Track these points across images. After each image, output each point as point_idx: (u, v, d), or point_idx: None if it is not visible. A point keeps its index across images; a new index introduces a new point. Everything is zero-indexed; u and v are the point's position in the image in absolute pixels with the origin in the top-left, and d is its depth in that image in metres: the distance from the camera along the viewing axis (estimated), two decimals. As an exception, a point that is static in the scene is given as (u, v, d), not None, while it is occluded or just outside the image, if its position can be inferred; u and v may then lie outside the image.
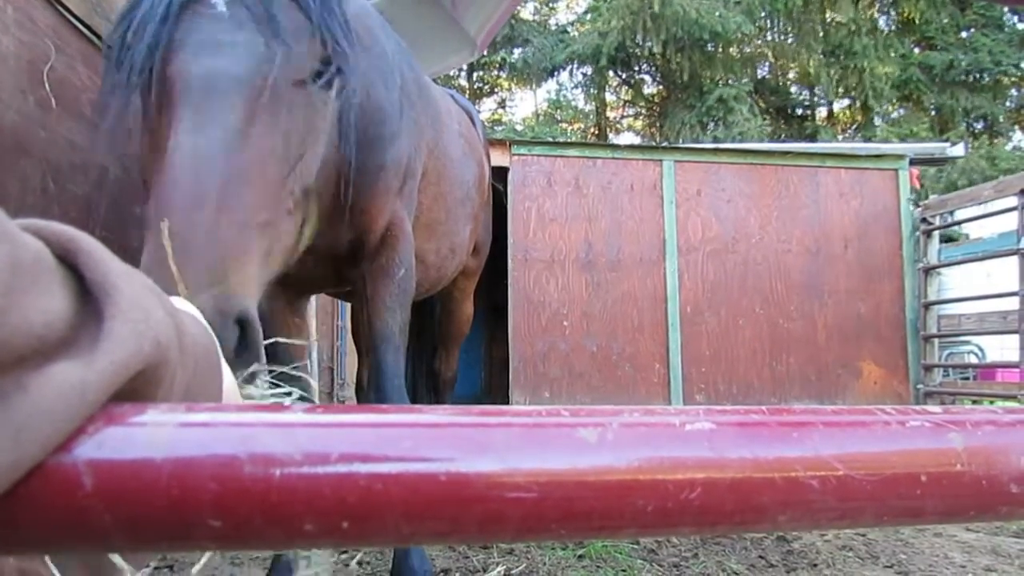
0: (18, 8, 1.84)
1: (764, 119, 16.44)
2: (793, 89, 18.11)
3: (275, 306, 2.16)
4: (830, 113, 18.29)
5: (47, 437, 0.28)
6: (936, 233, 6.17)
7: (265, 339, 2.19)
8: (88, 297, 0.34)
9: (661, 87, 18.31)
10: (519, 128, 17.46)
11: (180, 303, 0.55)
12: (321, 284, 2.23)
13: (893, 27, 17.45)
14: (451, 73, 15.78)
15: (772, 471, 0.33)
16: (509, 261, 6.19)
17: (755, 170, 6.55)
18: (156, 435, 0.30)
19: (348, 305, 5.00)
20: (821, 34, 16.18)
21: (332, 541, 0.31)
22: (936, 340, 6.18)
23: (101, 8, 2.28)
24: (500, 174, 5.83)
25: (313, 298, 3.15)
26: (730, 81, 15.85)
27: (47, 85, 1.96)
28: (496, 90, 19.92)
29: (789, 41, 16.88)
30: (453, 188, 2.65)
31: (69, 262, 0.34)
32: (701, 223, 6.37)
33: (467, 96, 18.29)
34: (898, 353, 6.33)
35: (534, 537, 0.33)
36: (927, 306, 6.10)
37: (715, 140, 13.09)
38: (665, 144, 8.17)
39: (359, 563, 2.84)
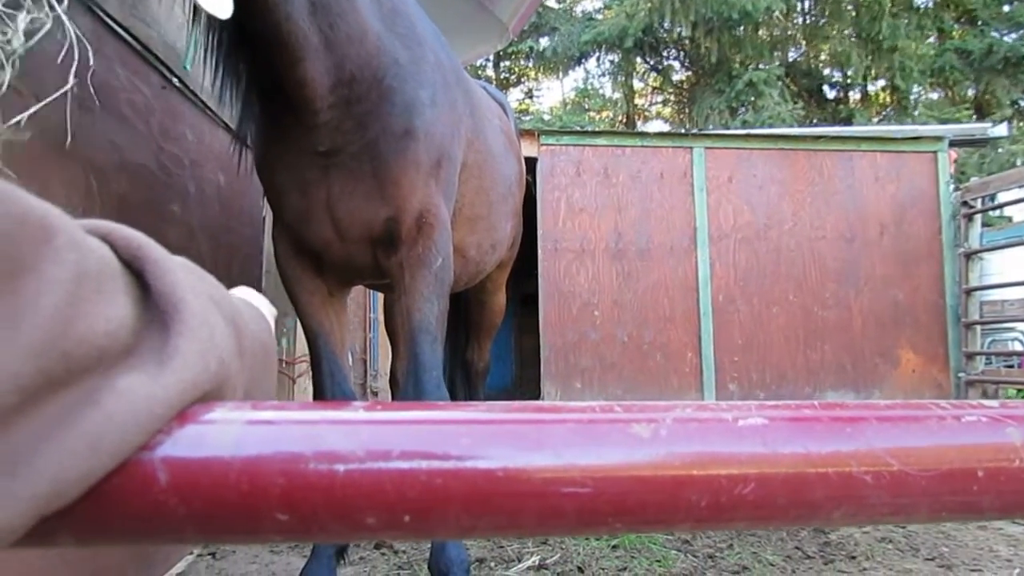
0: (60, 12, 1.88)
1: (796, 103, 16.15)
2: (826, 71, 17.76)
3: (314, 300, 2.19)
4: (864, 96, 17.91)
5: (118, 449, 0.29)
6: (978, 217, 6.02)
7: (306, 333, 2.23)
8: (151, 304, 0.35)
9: (689, 72, 18.09)
10: (547, 118, 17.40)
11: (242, 291, 0.56)
12: (359, 274, 2.25)
13: (931, 4, 16.97)
14: (478, 63, 15.77)
15: (825, 466, 0.34)
16: (539, 251, 6.19)
17: (787, 155, 6.45)
18: (226, 433, 0.31)
19: (380, 297, 5.05)
20: (853, 14, 15.81)
21: (393, 534, 0.32)
22: (978, 327, 6.04)
23: (137, 11, 2.32)
24: (529, 164, 5.81)
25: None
26: (760, 65, 15.59)
27: (90, 88, 2.01)
28: (523, 80, 19.86)
29: (821, 22, 16.55)
30: (495, 183, 2.66)
31: (135, 269, 0.35)
32: (733, 210, 6.29)
33: (494, 86, 18.29)
34: (938, 341, 6.21)
35: (589, 531, 0.34)
36: (968, 292, 5.96)
37: (744, 125, 12.89)
38: (695, 131, 8.08)
39: (395, 551, 2.88)
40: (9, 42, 1.12)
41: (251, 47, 1.77)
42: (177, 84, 2.65)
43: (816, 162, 6.45)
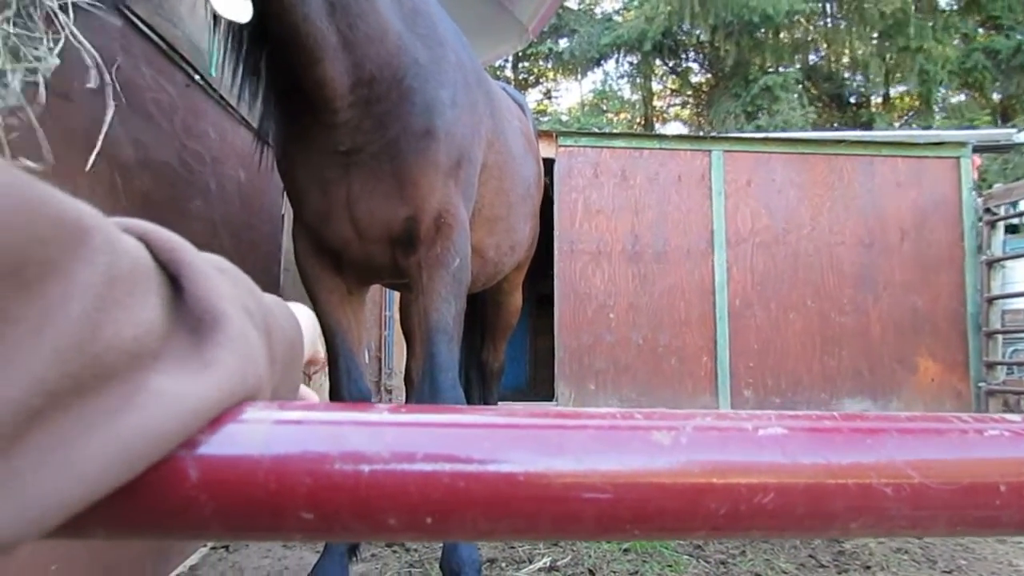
0: (86, 12, 1.91)
1: (815, 107, 16.02)
2: (846, 75, 17.60)
3: (332, 298, 2.20)
4: (886, 100, 17.73)
5: (153, 451, 0.30)
6: (1000, 224, 5.94)
7: (324, 331, 2.25)
8: (185, 308, 0.35)
9: (709, 75, 18.01)
10: (564, 119, 17.38)
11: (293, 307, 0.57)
12: (378, 273, 2.27)
13: (955, 6, 16.75)
14: (496, 64, 15.79)
15: (845, 477, 0.34)
16: (555, 253, 6.19)
17: (807, 160, 6.41)
18: (255, 432, 0.32)
19: (396, 295, 5.06)
20: (876, 15, 15.64)
21: (415, 535, 0.33)
22: (999, 336, 5.97)
23: (163, 10, 2.35)
24: (546, 165, 5.80)
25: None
26: (779, 68, 15.48)
27: (116, 86, 2.03)
28: (542, 80, 19.86)
29: (842, 25, 16.41)
30: (515, 185, 2.67)
31: (170, 271, 0.36)
32: (751, 214, 6.26)
33: (513, 87, 18.28)
34: (957, 349, 6.14)
35: (608, 536, 0.34)
36: (990, 300, 5.89)
37: (758, 129, 12.82)
38: (713, 134, 8.04)
39: (407, 549, 2.89)
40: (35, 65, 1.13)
41: (271, 47, 1.79)
42: (200, 82, 2.68)
43: (836, 166, 6.40)
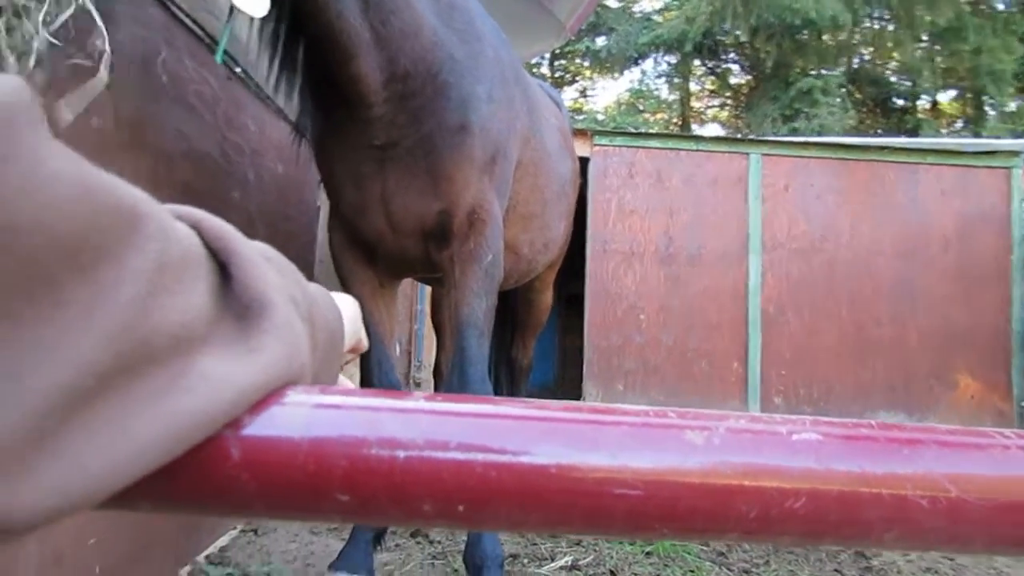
0: (132, 3, 1.95)
1: (858, 111, 15.70)
2: (893, 79, 17.20)
3: (365, 291, 2.23)
4: (934, 105, 17.29)
5: (197, 435, 0.31)
6: (1051, 238, 5.76)
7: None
8: (233, 295, 0.36)
9: (749, 77, 17.77)
10: (600, 118, 17.30)
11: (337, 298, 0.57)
12: (411, 267, 2.29)
13: (1015, 7, 16.18)
14: (533, 61, 15.77)
15: (880, 487, 0.33)
16: (587, 252, 6.17)
17: (848, 166, 6.29)
18: (295, 415, 0.33)
19: (427, 289, 5.10)
20: (927, 18, 15.22)
21: (447, 523, 0.33)
22: (1046, 355, 5.79)
23: (206, 2, 2.39)
24: (581, 164, 5.78)
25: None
26: (822, 71, 15.20)
27: (163, 77, 2.08)
28: (578, 78, 19.78)
29: (890, 28, 16.03)
30: (550, 182, 2.67)
31: (220, 259, 0.37)
32: (788, 219, 6.17)
33: (549, 84, 18.21)
34: (1000, 367, 5.98)
35: (637, 534, 0.34)
36: (1036, 317, 5.72)
37: (793, 133, 12.61)
38: (752, 136, 7.93)
39: (430, 540, 2.91)
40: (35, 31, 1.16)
41: (306, 44, 1.83)
42: (241, 75, 2.73)
43: (878, 174, 6.28)
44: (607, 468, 0.33)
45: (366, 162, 2.01)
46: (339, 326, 0.52)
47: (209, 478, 0.31)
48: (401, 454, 0.32)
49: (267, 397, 0.33)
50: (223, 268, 0.37)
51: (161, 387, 0.30)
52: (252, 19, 1.77)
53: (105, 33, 1.31)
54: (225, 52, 2.61)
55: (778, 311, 6.13)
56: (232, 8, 1.65)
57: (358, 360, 2.34)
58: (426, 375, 6.00)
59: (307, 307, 0.44)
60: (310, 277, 3.62)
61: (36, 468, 0.25)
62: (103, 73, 1.41)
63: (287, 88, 1.95)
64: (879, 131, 15.65)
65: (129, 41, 1.99)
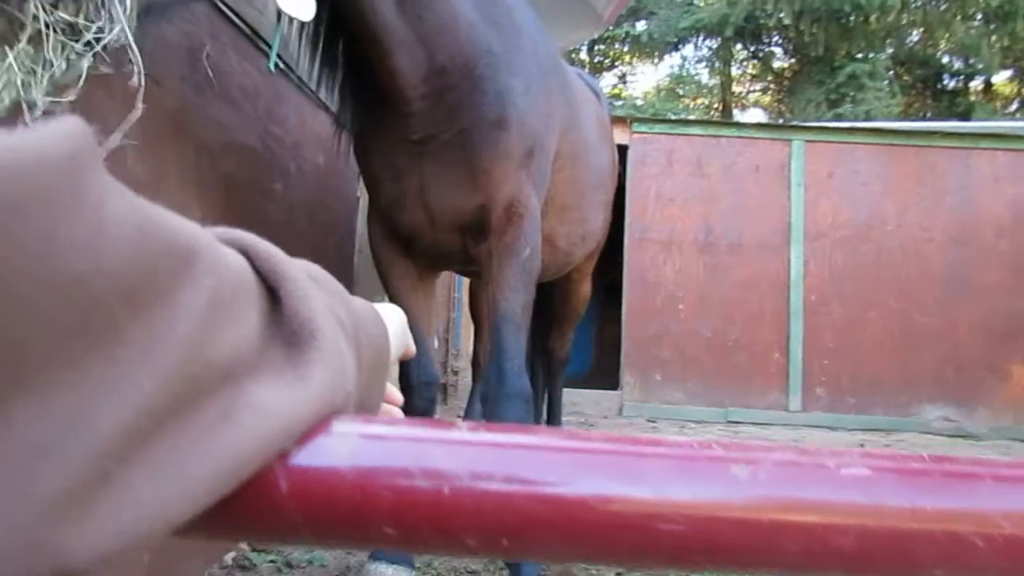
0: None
1: (907, 95, 15.22)
2: (944, 60, 16.59)
3: (403, 283, 2.25)
4: (988, 86, 16.66)
5: (248, 469, 0.31)
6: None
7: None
8: (282, 321, 0.37)
9: (792, 60, 17.35)
10: (639, 103, 17.08)
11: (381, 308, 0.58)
12: (448, 260, 2.30)
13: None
14: (571, 47, 15.62)
15: (932, 523, 0.33)
16: (625, 241, 6.13)
17: (895, 151, 6.12)
18: (341, 445, 0.33)
19: (465, 278, 5.11)
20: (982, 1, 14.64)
21: (492, 554, 0.34)
22: (1103, 344, 5.59)
23: (254, 1, 2.42)
24: (619, 152, 5.72)
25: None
26: (868, 55, 14.75)
27: (208, 71, 2.12)
28: (617, 64, 19.54)
29: (942, 7, 15.46)
30: (588, 173, 2.65)
31: (270, 283, 0.37)
32: (831, 207, 6.04)
33: (586, 71, 18.02)
34: (1056, 357, 5.77)
35: (679, 568, 0.34)
36: (1092, 306, 5.52)
37: (838, 118, 12.26)
38: (794, 123, 7.76)
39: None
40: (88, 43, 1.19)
41: (345, 41, 1.85)
42: (283, 67, 2.76)
43: (927, 159, 6.09)
44: (649, 502, 0.33)
45: (404, 156, 2.03)
46: (384, 342, 0.52)
47: (258, 509, 0.32)
48: (446, 487, 0.32)
49: (314, 426, 0.34)
50: (272, 292, 0.38)
51: (212, 421, 0.30)
52: (293, 19, 1.79)
53: (141, 66, 1.34)
54: (268, 44, 2.64)
55: (821, 300, 6.01)
56: (280, 13, 1.67)
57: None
58: (463, 363, 6.04)
59: (353, 327, 0.45)
60: (349, 268, 3.66)
61: (97, 510, 0.26)
62: (138, 105, 1.45)
63: (328, 84, 1.97)
64: (928, 115, 15.16)
65: (174, 35, 2.02)
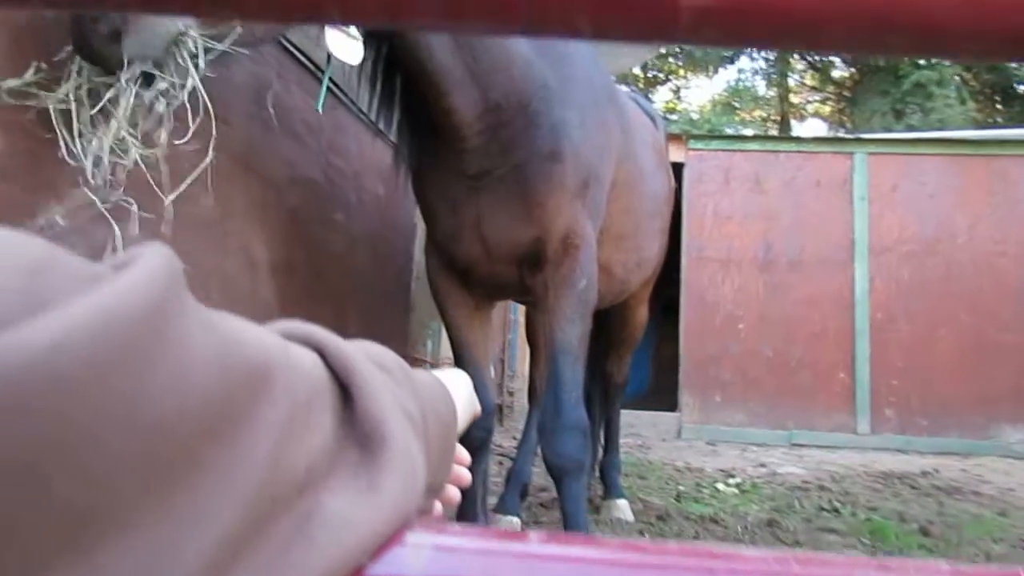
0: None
1: (976, 102, 14.65)
2: (1015, 64, 15.93)
3: (460, 313, 2.27)
4: (1061, 91, 15.91)
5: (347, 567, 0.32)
6: None
7: (452, 344, 2.33)
8: (355, 422, 0.37)
9: (853, 70, 16.92)
10: (694, 117, 16.90)
11: (448, 375, 0.59)
12: (505, 290, 2.31)
13: None
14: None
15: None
16: (682, 259, 6.05)
17: (964, 162, 5.89)
18: (416, 557, 0.34)
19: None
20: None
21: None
22: None
23: (322, 42, 2.49)
24: (675, 170, 5.66)
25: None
26: (934, 62, 14.26)
27: (270, 108, 2.19)
28: (671, 78, 19.42)
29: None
30: (644, 202, 2.64)
31: (342, 381, 0.38)
32: (897, 221, 5.85)
33: (641, 85, 17.96)
34: None
35: None
36: None
37: (910, 129, 11.84)
38: (856, 135, 7.55)
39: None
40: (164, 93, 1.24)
41: (402, 80, 1.90)
42: (345, 101, 2.83)
43: (998, 169, 5.85)
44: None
45: (460, 190, 2.05)
46: (452, 420, 0.53)
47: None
48: (518, 601, 0.32)
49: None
50: (344, 390, 0.38)
51: (289, 538, 0.31)
52: (328, 65, 1.86)
53: (214, 119, 1.40)
54: (332, 80, 2.72)
55: (888, 318, 5.81)
56: (330, 57, 1.73)
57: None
58: (518, 384, 6.03)
59: (421, 416, 0.45)
60: (407, 295, 3.70)
61: None
62: (210, 154, 1.51)
63: (386, 120, 2.02)
64: (999, 121, 14.55)
65: (243, 76, 2.10)
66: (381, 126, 2.11)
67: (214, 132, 1.51)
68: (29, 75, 1.18)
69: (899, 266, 5.85)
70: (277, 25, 1.52)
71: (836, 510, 3.55)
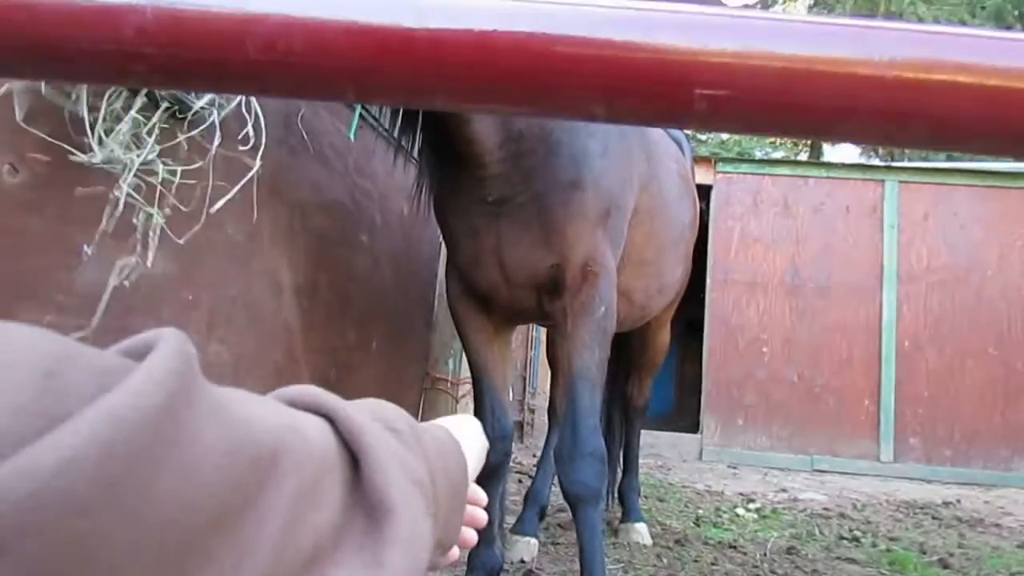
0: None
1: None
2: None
3: (480, 338, 2.28)
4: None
5: None
6: None
7: (471, 368, 2.33)
8: (361, 492, 0.38)
9: (887, 90, 16.72)
10: (724, 137, 16.80)
11: (461, 423, 0.59)
12: (524, 316, 2.32)
13: None
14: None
15: None
16: (707, 281, 6.02)
17: (997, 193, 5.81)
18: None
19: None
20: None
21: None
22: None
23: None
24: (703, 192, 5.64)
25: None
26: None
27: (302, 133, 2.23)
28: (701, 96, 19.34)
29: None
30: (667, 228, 2.63)
31: (351, 450, 0.39)
32: (927, 250, 5.77)
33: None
34: None
35: None
36: None
37: (948, 159, 11.64)
38: (888, 163, 7.47)
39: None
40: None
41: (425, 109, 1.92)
42: (371, 123, 2.87)
43: (1031, 200, 5.75)
44: None
45: (481, 216, 2.07)
46: (462, 474, 0.53)
47: None
48: None
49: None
50: (354, 459, 0.39)
51: None
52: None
53: (264, 130, 1.43)
54: (365, 109, 2.75)
55: (915, 346, 5.73)
56: None
57: (471, 402, 2.40)
58: (540, 401, 6.02)
59: (429, 478, 0.46)
60: (430, 312, 3.71)
61: None
62: (257, 164, 1.54)
63: (408, 147, 2.05)
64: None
65: (273, 101, 2.14)
66: (402, 149, 2.14)
67: (259, 161, 1.54)
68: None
69: (928, 295, 5.77)
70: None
71: (856, 539, 3.50)
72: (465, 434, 0.61)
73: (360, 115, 2.80)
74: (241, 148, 1.70)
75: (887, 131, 0.37)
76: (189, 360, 0.29)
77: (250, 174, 1.56)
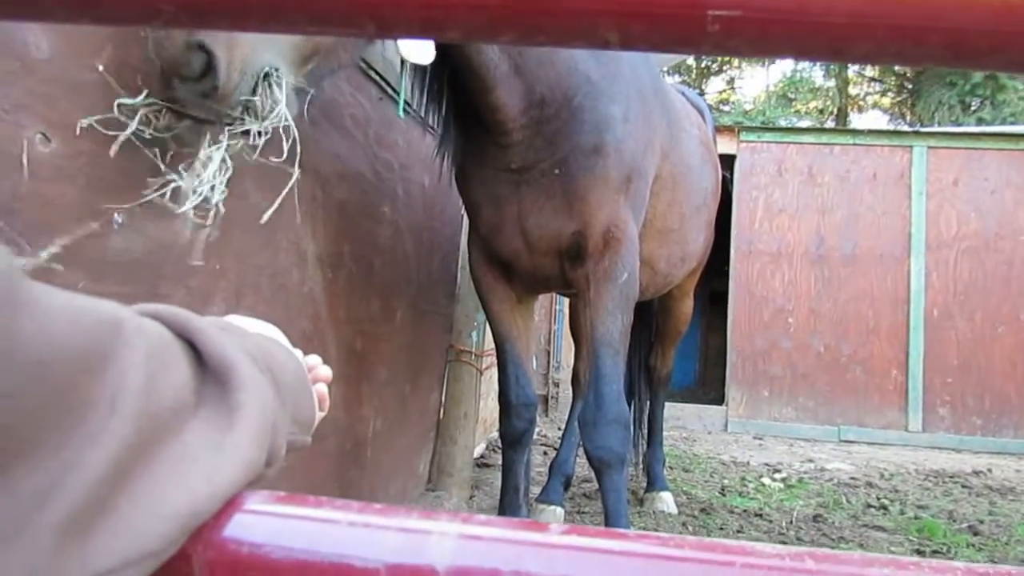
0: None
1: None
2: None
3: (503, 307, 2.29)
4: None
5: (219, 495, 0.39)
6: None
7: (495, 338, 2.35)
8: (206, 367, 0.44)
9: (916, 57, 16.25)
10: (748, 107, 16.53)
11: (254, 325, 0.63)
12: (547, 284, 2.33)
13: None
14: (676, 51, 15.21)
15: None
16: (732, 252, 5.97)
17: (1029, 156, 5.66)
18: (441, 545, 0.36)
19: (565, 293, 5.11)
20: None
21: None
22: None
23: (395, 49, 2.54)
24: (727, 162, 5.58)
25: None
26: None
27: (321, 105, 2.24)
28: (725, 68, 19.04)
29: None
30: (689, 196, 2.62)
31: (186, 338, 0.44)
32: (956, 217, 5.66)
33: (694, 76, 17.67)
34: None
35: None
36: None
37: (980, 123, 11.31)
38: (916, 128, 7.31)
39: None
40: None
41: (449, 75, 1.92)
42: (391, 93, 2.87)
43: (1068, 163, 5.60)
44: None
45: (503, 184, 2.07)
46: (299, 368, 0.59)
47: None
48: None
49: (414, 524, 0.37)
50: (191, 346, 0.45)
51: (176, 455, 0.37)
52: (402, 70, 1.88)
53: (297, 135, 1.44)
54: (378, 73, 2.76)
55: (944, 315, 5.65)
56: (403, 61, 1.76)
57: (495, 374, 2.42)
58: (564, 375, 6.04)
59: (264, 359, 0.51)
60: (453, 284, 3.74)
61: (101, 532, 0.33)
62: (296, 171, 1.56)
63: (433, 115, 2.06)
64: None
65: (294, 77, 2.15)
66: (428, 120, 2.14)
67: (299, 151, 1.55)
68: (140, 99, 1.24)
69: (957, 262, 5.67)
70: (355, 52, 1.57)
71: (884, 507, 3.49)
72: (275, 330, 0.66)
73: (381, 87, 2.80)
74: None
75: (903, 48, 0.37)
76: (9, 260, 0.34)
77: (290, 183, 1.58)
